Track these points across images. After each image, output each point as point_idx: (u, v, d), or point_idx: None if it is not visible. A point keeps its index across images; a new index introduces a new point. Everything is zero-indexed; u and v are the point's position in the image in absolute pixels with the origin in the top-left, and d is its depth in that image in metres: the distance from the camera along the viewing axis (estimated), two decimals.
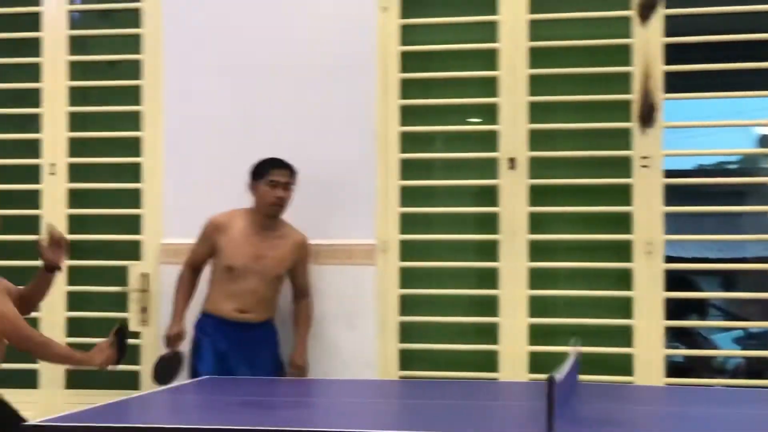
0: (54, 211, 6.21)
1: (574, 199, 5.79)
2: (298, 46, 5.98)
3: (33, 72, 6.35)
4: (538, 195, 5.78)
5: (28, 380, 6.18)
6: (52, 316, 6.17)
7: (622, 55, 5.73)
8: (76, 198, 6.28)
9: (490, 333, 5.78)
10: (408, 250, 5.91)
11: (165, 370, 5.48)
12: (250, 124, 5.99)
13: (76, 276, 6.21)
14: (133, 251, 6.15)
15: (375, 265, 5.85)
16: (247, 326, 5.55)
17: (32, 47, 6.36)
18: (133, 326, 6.03)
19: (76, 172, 6.28)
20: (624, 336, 5.67)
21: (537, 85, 5.80)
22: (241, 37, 6.04)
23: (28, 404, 5.96)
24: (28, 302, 4.98)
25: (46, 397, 6.15)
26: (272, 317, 5.68)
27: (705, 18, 5.91)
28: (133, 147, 6.20)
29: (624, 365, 5.65)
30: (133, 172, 6.18)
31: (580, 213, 5.78)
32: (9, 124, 6.45)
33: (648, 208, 5.62)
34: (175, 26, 6.11)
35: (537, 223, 5.78)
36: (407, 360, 5.89)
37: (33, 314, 6.10)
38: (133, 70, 6.23)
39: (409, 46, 5.94)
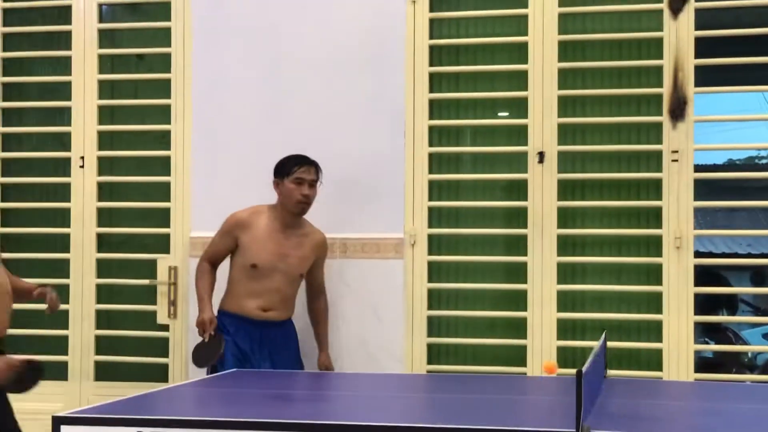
0: (83, 204, 6.24)
1: (603, 194, 5.77)
2: (327, 40, 5.97)
3: (63, 65, 6.38)
4: (566, 189, 5.76)
5: (58, 372, 6.22)
6: (82, 308, 6.20)
7: (653, 48, 5.70)
8: (105, 191, 6.30)
9: (518, 327, 5.77)
10: (436, 244, 5.90)
11: (206, 353, 5.36)
12: (279, 118, 5.99)
13: (105, 269, 6.25)
14: (161, 244, 6.17)
15: (403, 259, 5.84)
16: (269, 325, 5.51)
17: (62, 41, 6.39)
18: (161, 319, 6.06)
19: (105, 166, 6.30)
20: (653, 331, 5.64)
21: (566, 78, 5.78)
22: (270, 30, 6.04)
23: (57, 396, 6.05)
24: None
25: (75, 389, 6.18)
26: (291, 316, 5.66)
27: (736, 11, 5.88)
28: (162, 140, 6.22)
29: (653, 360, 5.63)
30: (162, 166, 6.20)
31: (609, 207, 5.75)
32: (39, 117, 6.48)
33: (678, 203, 5.59)
34: (204, 20, 6.12)
35: (566, 217, 5.76)
36: (435, 354, 5.88)
37: (63, 306, 6.16)
38: (162, 63, 6.25)
39: (439, 40, 5.93)
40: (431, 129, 5.89)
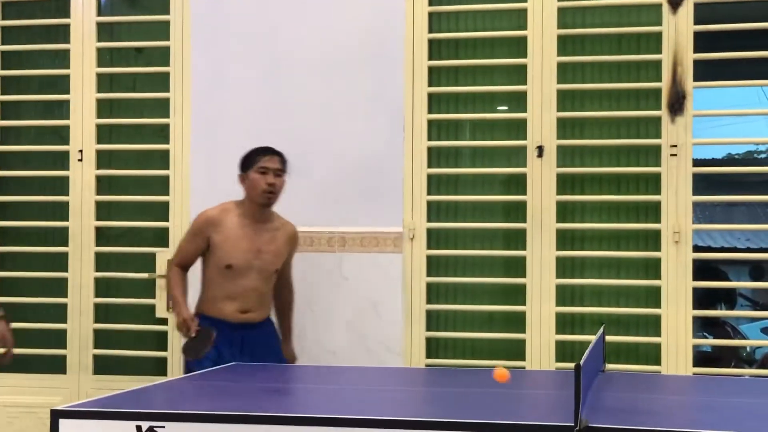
0: (81, 198, 6.24)
1: (602, 188, 5.77)
2: (326, 34, 5.97)
3: (61, 58, 6.38)
4: (566, 183, 5.76)
5: (57, 366, 6.22)
6: (80, 301, 6.20)
7: (652, 43, 5.70)
8: (103, 184, 6.30)
9: (517, 321, 5.77)
10: (435, 238, 5.91)
11: (198, 345, 5.15)
12: (278, 112, 5.99)
13: (103, 262, 6.25)
14: (160, 238, 6.17)
15: (402, 252, 5.84)
16: (249, 327, 5.32)
17: (61, 34, 6.38)
18: (160, 313, 6.06)
19: (103, 159, 6.30)
20: (652, 325, 5.65)
21: (565, 72, 5.78)
22: (269, 24, 6.03)
23: (55, 389, 6.06)
24: None
25: (74, 383, 6.18)
26: (269, 314, 5.52)
27: (735, 6, 5.88)
28: (160, 134, 6.21)
29: (652, 354, 5.63)
30: (161, 159, 6.19)
31: (608, 201, 5.75)
32: (37, 110, 6.47)
33: (676, 197, 5.59)
34: (203, 13, 6.11)
35: (565, 211, 5.76)
36: (433, 348, 5.89)
37: (62, 300, 6.17)
38: (161, 56, 6.24)
39: (438, 34, 5.93)
40: (430, 123, 5.89)
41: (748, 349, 8.55)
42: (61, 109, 6.36)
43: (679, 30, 5.59)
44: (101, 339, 6.24)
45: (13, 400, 6.23)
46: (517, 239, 5.81)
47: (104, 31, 6.35)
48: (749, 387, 4.80)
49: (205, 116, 6.07)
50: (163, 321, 6.08)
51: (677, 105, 5.58)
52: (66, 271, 6.24)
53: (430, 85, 5.89)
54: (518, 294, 5.77)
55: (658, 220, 5.62)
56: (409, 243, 5.85)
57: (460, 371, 5.38)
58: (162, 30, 6.23)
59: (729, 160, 14.29)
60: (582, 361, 3.03)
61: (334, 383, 4.44)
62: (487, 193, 5.91)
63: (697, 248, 5.71)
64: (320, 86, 5.96)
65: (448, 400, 3.91)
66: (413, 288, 5.84)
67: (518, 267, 5.79)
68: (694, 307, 5.61)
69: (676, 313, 5.57)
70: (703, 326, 8.04)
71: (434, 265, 5.90)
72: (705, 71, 5.71)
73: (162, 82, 6.21)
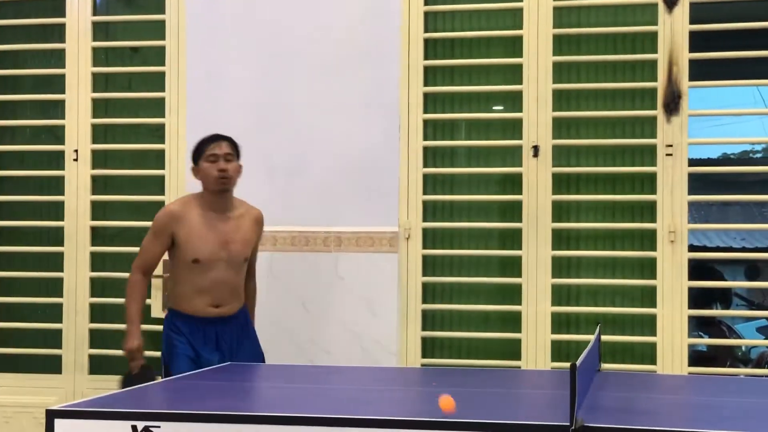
0: (77, 198, 6.23)
1: (598, 188, 5.77)
2: (322, 33, 5.97)
3: (57, 58, 6.37)
4: (561, 183, 5.76)
5: (52, 365, 6.22)
6: (76, 301, 6.20)
7: (648, 42, 5.70)
8: (99, 184, 6.30)
9: (512, 321, 5.77)
10: (431, 238, 5.91)
11: (133, 383, 4.86)
12: (273, 111, 5.99)
13: (99, 262, 6.24)
14: None
15: (398, 252, 5.84)
16: (223, 321, 5.19)
17: (56, 33, 6.38)
18: (155, 313, 6.05)
19: (99, 159, 6.30)
20: (647, 325, 5.65)
21: (561, 72, 5.79)
22: (265, 23, 6.03)
23: (51, 389, 6.05)
24: None
25: (70, 383, 6.18)
26: (243, 304, 5.34)
27: (731, 5, 5.89)
28: (156, 133, 6.21)
29: (647, 354, 5.64)
30: (156, 159, 6.19)
31: (603, 201, 5.76)
32: (33, 110, 6.47)
33: (672, 197, 5.59)
34: (199, 12, 6.11)
35: (560, 211, 5.76)
36: (429, 348, 5.89)
37: (56, 299, 6.17)
38: (156, 56, 6.24)
39: (433, 33, 5.93)
40: (426, 122, 5.89)
41: (743, 348, 8.56)
42: (57, 109, 6.36)
43: (674, 29, 5.59)
44: (97, 339, 6.24)
45: (8, 400, 6.22)
46: (513, 239, 5.81)
47: (99, 31, 6.35)
48: (745, 386, 4.80)
49: (201, 116, 6.06)
50: (159, 321, 6.05)
51: (673, 105, 5.59)
52: (61, 270, 6.24)
53: (425, 84, 5.89)
54: (514, 294, 5.78)
55: (653, 219, 5.63)
56: (404, 243, 5.85)
57: (456, 371, 5.38)
58: (157, 29, 6.23)
59: (724, 160, 14.29)
60: (578, 361, 3.02)
61: (329, 383, 4.44)
62: (483, 192, 5.91)
63: (692, 248, 5.71)
64: (316, 86, 5.95)
65: None
66: (409, 288, 5.84)
67: (514, 267, 5.79)
68: (690, 307, 5.62)
69: (672, 312, 5.57)
70: (698, 326, 8.05)
71: (430, 265, 5.90)
72: (700, 71, 5.71)
73: (157, 81, 6.21)
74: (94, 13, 6.33)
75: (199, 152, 5.22)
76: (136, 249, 6.10)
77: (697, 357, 7.18)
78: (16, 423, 6.19)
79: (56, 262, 6.27)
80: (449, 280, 5.90)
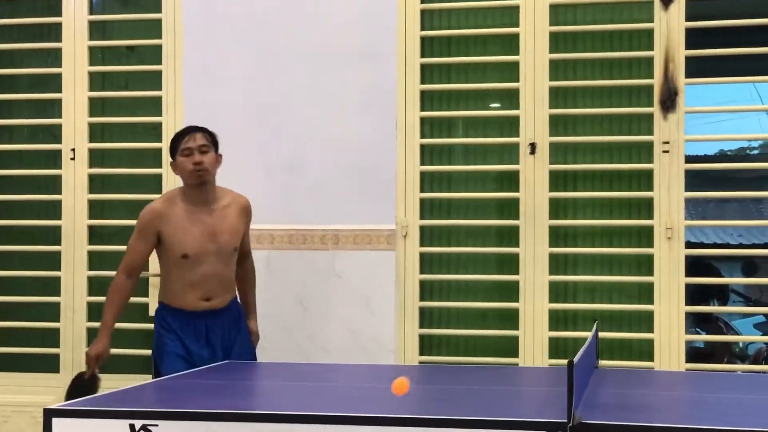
0: (74, 197, 6.23)
1: (595, 185, 5.77)
2: (319, 31, 5.96)
3: (53, 57, 6.37)
4: (558, 180, 5.76)
5: (50, 364, 6.22)
6: (74, 300, 6.20)
7: (644, 39, 5.71)
8: (96, 183, 6.29)
9: (510, 318, 5.78)
10: (428, 236, 5.91)
11: (79, 390, 4.94)
12: (270, 110, 5.99)
13: (96, 261, 6.24)
14: None
15: (395, 250, 5.84)
16: (213, 315, 5.14)
17: (52, 32, 6.37)
18: (153, 312, 6.04)
19: (96, 158, 6.29)
20: (645, 321, 5.66)
21: (557, 69, 5.79)
22: (261, 22, 6.03)
23: (49, 388, 6.05)
24: None
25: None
26: (235, 296, 5.31)
27: (727, 2, 5.89)
28: (153, 132, 6.21)
29: (645, 350, 5.64)
30: (154, 158, 6.19)
31: (600, 198, 5.76)
32: (29, 109, 6.46)
33: (669, 194, 5.60)
34: (195, 11, 6.11)
35: (557, 208, 5.76)
36: (427, 345, 5.89)
37: (53, 298, 6.17)
38: (153, 54, 6.24)
39: (430, 31, 5.93)
40: (423, 120, 5.89)
41: (740, 344, 8.57)
42: (53, 108, 6.35)
43: (670, 26, 5.60)
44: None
45: (6, 400, 6.22)
46: (510, 236, 5.81)
47: (96, 30, 6.34)
48: (742, 382, 4.81)
49: (198, 115, 6.04)
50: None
51: (669, 102, 5.59)
52: (59, 270, 6.23)
53: (422, 82, 5.89)
54: (511, 291, 5.78)
55: (650, 216, 5.63)
56: (402, 240, 5.85)
57: (454, 368, 5.38)
58: (154, 28, 6.22)
59: (721, 157, 14.26)
60: (575, 358, 3.03)
61: (327, 380, 4.44)
62: (480, 190, 5.91)
63: (689, 244, 5.73)
64: (313, 84, 5.95)
65: (441, 398, 3.91)
66: (406, 285, 5.84)
67: (511, 264, 5.79)
68: (687, 303, 5.62)
69: (669, 309, 5.58)
70: (695, 322, 8.06)
71: (427, 263, 5.90)
72: (697, 68, 5.72)
73: (154, 80, 6.20)
74: (91, 12, 6.32)
75: (174, 148, 5.17)
76: None
77: (694, 353, 7.18)
78: (14, 422, 6.19)
79: (53, 261, 6.27)
80: (447, 277, 5.90)
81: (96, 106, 6.30)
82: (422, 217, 5.88)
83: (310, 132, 5.90)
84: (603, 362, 4.85)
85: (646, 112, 5.66)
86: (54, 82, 6.33)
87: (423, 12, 5.91)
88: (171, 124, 6.10)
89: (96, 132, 6.30)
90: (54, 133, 6.34)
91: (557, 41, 5.79)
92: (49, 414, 3.27)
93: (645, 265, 5.66)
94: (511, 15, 5.84)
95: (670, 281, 5.58)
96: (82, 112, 6.26)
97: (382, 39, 5.89)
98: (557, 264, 5.76)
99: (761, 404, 3.74)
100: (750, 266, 8.88)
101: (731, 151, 14.91)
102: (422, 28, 5.91)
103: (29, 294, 6.31)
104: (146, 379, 4.90)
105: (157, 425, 3.18)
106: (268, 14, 6.02)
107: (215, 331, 5.15)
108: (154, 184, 6.15)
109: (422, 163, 5.88)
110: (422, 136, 5.89)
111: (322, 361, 5.72)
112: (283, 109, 5.97)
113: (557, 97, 5.78)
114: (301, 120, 5.94)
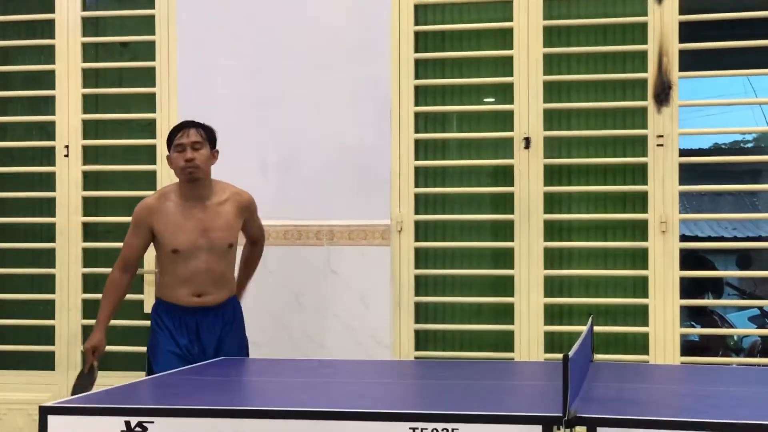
0: (68, 194, 6.22)
1: (590, 178, 5.78)
2: (312, 27, 5.96)
3: (46, 54, 6.36)
4: (553, 174, 5.77)
5: (45, 362, 6.21)
6: (68, 298, 6.19)
7: (638, 33, 5.71)
8: (90, 180, 6.29)
9: (505, 313, 5.78)
10: (423, 231, 5.91)
11: (81, 384, 5.06)
12: (264, 106, 5.98)
13: (91, 258, 6.24)
14: None
15: (390, 245, 5.84)
16: (205, 311, 5.11)
17: (45, 29, 6.36)
18: (148, 308, 6.04)
19: (90, 154, 6.28)
20: (639, 315, 5.67)
21: (551, 64, 5.79)
22: (255, 18, 6.02)
23: (44, 386, 6.04)
24: None
25: (63, 379, 6.17)
26: (232, 294, 5.28)
27: None
28: (147, 129, 6.20)
29: (639, 344, 5.65)
30: (148, 154, 6.18)
31: (595, 192, 5.77)
32: (23, 106, 6.46)
33: (663, 187, 5.60)
34: (189, 6, 6.10)
35: (552, 202, 5.77)
36: (422, 340, 5.89)
37: (48, 296, 6.16)
38: (146, 51, 6.23)
39: (424, 26, 5.93)
40: (417, 115, 5.89)
41: (735, 337, 8.58)
42: (47, 105, 6.34)
43: (664, 20, 5.60)
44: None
45: (1, 397, 6.22)
46: (505, 230, 5.82)
47: (89, 26, 6.34)
48: (737, 375, 4.82)
49: (192, 111, 6.03)
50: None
51: (663, 95, 5.60)
52: (53, 267, 6.23)
53: (416, 77, 5.89)
54: (506, 285, 5.78)
55: (645, 210, 5.64)
56: (397, 235, 5.85)
57: (449, 363, 5.39)
58: (147, 24, 6.21)
59: (715, 150, 14.32)
60: (570, 352, 3.03)
61: (323, 376, 4.44)
62: (475, 184, 5.92)
63: (684, 238, 5.73)
64: (307, 79, 5.95)
65: (437, 393, 3.92)
66: (401, 280, 5.84)
67: (506, 258, 5.80)
68: (682, 297, 5.63)
69: (664, 302, 5.59)
70: (690, 315, 8.07)
71: (422, 258, 5.90)
72: (691, 61, 5.72)
73: (148, 76, 6.20)
74: (84, 9, 6.31)
75: (168, 143, 5.17)
76: None
77: (689, 347, 7.19)
78: (10, 420, 6.19)
79: (48, 258, 6.26)
80: (442, 272, 5.90)
81: (90, 103, 6.30)
82: (417, 212, 5.88)
83: (305, 127, 5.90)
84: (598, 356, 4.86)
85: (640, 106, 5.67)
86: (47, 79, 6.32)
87: (417, 7, 5.90)
88: (165, 120, 6.10)
89: (90, 129, 6.29)
90: (47, 130, 6.34)
91: (551, 35, 5.79)
92: (45, 411, 3.26)
93: (639, 258, 5.67)
94: (504, 9, 5.84)
95: (664, 275, 5.59)
96: (76, 108, 6.25)
97: (375, 34, 5.89)
98: (552, 258, 5.76)
99: (756, 397, 3.75)
100: (744, 259, 8.89)
101: (725, 144, 14.94)
102: (416, 23, 5.90)
103: (24, 291, 6.31)
104: (142, 376, 4.89)
105: (152, 422, 3.18)
106: (262, 10, 6.01)
107: (205, 327, 5.13)
108: (149, 180, 6.14)
109: (416, 157, 5.88)
110: (416, 130, 5.89)
111: (317, 357, 5.72)
112: (278, 105, 5.96)
113: (551, 91, 5.78)
114: (296, 115, 5.94)
